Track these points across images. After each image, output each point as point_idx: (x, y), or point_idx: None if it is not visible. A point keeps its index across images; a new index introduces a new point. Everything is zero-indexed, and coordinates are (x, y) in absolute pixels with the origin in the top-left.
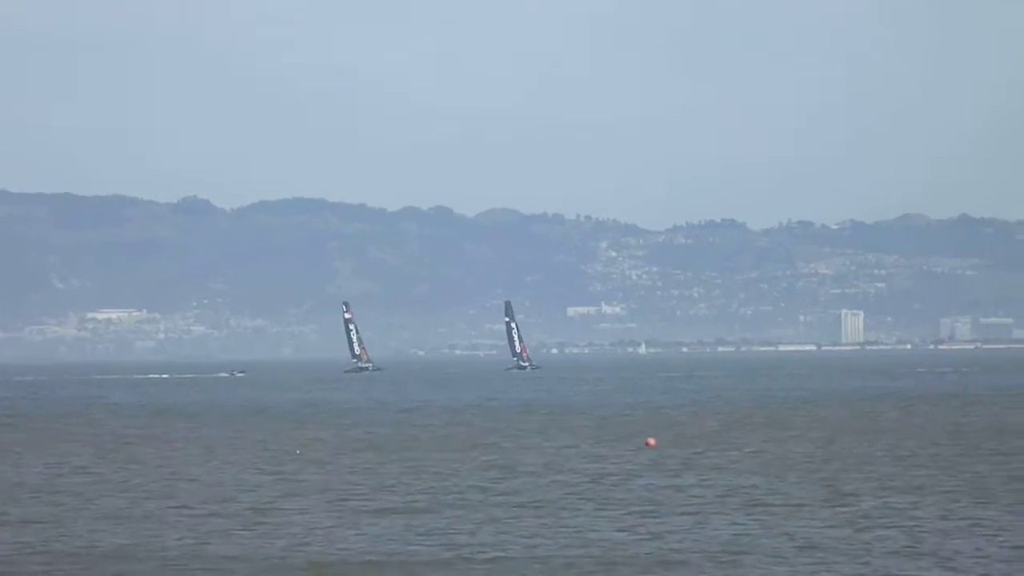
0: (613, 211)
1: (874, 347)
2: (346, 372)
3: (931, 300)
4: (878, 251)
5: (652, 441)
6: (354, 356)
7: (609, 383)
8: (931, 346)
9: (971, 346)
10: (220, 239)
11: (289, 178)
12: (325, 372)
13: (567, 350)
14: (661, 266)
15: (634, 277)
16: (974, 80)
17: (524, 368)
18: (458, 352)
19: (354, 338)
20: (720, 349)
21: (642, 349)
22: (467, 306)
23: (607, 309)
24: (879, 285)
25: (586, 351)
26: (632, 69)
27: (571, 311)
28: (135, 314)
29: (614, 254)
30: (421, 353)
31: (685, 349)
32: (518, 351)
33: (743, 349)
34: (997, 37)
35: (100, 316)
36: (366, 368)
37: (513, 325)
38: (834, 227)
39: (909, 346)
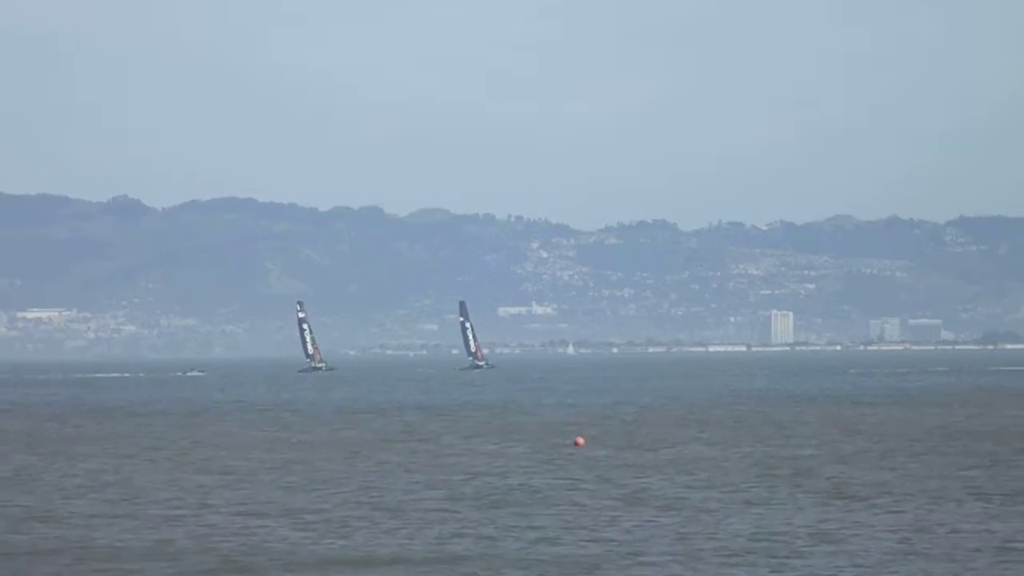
0: (544, 211)
1: (804, 348)
2: (300, 372)
3: (860, 301)
4: (808, 252)
5: (581, 440)
6: (308, 356)
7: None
8: (860, 347)
9: (900, 347)
10: (151, 238)
11: (220, 177)
12: (279, 371)
13: (497, 350)
14: (592, 266)
15: (565, 277)
16: (907, 87)
17: (480, 367)
18: (388, 352)
19: (307, 338)
20: (651, 350)
21: (569, 350)
22: (398, 306)
23: (538, 309)
24: (809, 286)
25: (517, 351)
26: (565, 70)
27: (502, 311)
28: (65, 313)
29: (545, 254)
30: (352, 353)
31: (615, 350)
32: (473, 350)
33: (674, 350)
34: (930, 46)
35: (30, 315)
36: (319, 368)
37: (468, 325)
38: (764, 228)
39: (839, 347)
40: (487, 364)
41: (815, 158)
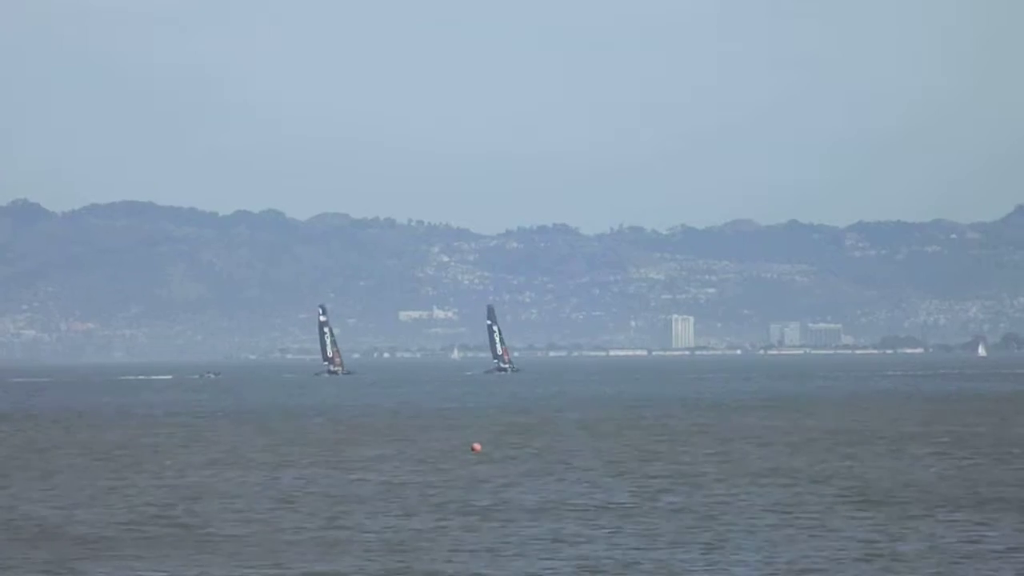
0: (445, 216)
1: (704, 352)
2: (316, 375)
3: (760, 306)
4: (708, 257)
5: (477, 446)
6: (326, 359)
7: None
8: (760, 351)
9: (800, 351)
10: (51, 242)
11: (120, 181)
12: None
13: (398, 354)
14: (493, 271)
15: (466, 282)
16: (803, 91)
17: (504, 370)
18: (289, 356)
19: (327, 341)
20: (551, 354)
21: (454, 354)
22: (298, 309)
23: (439, 314)
24: (709, 291)
25: (417, 355)
26: (460, 70)
27: (403, 315)
28: None
29: (446, 259)
30: (253, 357)
31: (516, 354)
32: (499, 353)
33: (574, 354)
34: (827, 52)
35: None
36: (335, 372)
37: (495, 328)
38: (665, 232)
39: (739, 351)
40: (512, 367)
41: (714, 162)
